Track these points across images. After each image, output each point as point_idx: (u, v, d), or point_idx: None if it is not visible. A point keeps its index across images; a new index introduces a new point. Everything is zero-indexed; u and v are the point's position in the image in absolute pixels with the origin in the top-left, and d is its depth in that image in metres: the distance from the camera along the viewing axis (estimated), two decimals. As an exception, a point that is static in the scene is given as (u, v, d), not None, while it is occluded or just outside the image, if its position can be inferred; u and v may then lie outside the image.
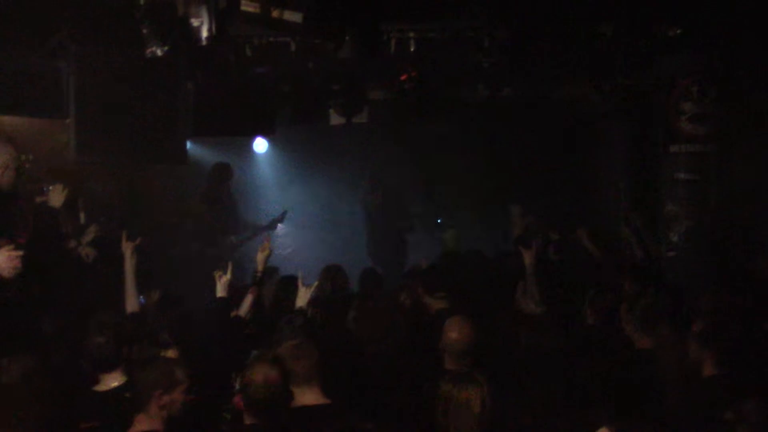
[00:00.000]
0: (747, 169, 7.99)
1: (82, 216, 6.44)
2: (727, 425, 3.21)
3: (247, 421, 3.44)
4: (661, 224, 8.62)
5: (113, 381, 3.81)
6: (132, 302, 4.91)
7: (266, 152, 9.70)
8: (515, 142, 9.57)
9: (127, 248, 5.01)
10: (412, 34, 6.59)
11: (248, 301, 4.86)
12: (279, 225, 8.78)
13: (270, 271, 5.90)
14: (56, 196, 5.43)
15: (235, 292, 5.03)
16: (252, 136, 9.23)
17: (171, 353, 4.07)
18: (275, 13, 5.37)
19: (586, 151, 9.77)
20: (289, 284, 5.63)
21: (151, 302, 5.40)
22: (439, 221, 8.67)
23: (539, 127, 9.38)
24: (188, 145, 7.85)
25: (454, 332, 4.17)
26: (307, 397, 3.65)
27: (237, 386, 3.75)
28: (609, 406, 3.31)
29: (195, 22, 5.31)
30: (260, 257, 5.10)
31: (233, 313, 4.82)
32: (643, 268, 6.03)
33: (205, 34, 5.28)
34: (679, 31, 6.51)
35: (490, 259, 6.68)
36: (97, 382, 3.85)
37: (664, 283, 5.48)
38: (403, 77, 7.25)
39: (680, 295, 4.90)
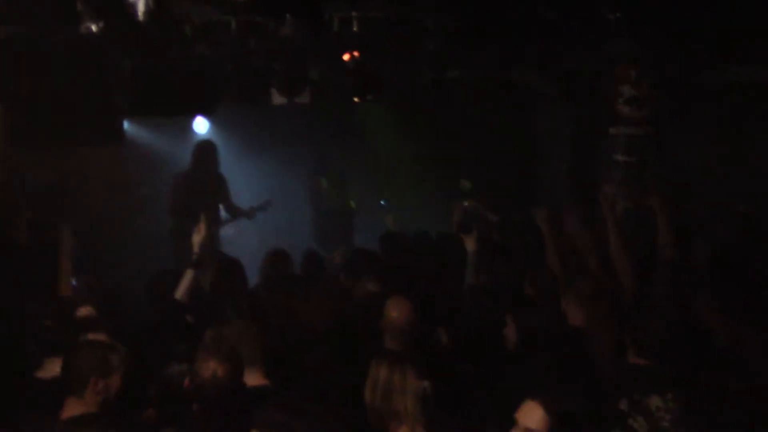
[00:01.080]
0: (683, 152, 8.19)
1: (17, 202, 6.23)
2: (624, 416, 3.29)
3: (195, 407, 3.40)
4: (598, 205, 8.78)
5: (57, 367, 3.71)
6: (65, 286, 4.79)
7: (207, 132, 9.53)
8: (460, 125, 9.60)
9: (64, 230, 4.88)
10: (355, 14, 6.52)
11: (185, 283, 4.76)
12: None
13: (210, 253, 5.82)
14: None
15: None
16: (192, 115, 9.04)
17: (100, 337, 3.98)
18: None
19: (531, 134, 9.88)
20: (230, 268, 5.57)
21: (85, 286, 5.26)
22: (382, 203, 8.65)
23: (484, 110, 9.44)
24: (125, 125, 7.67)
25: (395, 312, 4.18)
26: (249, 378, 3.64)
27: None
28: (539, 380, 3.36)
29: (133, -1, 5.16)
30: (196, 239, 4.98)
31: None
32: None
33: (142, 10, 5.14)
34: (618, 15, 6.59)
35: (435, 240, 6.68)
36: (40, 367, 3.76)
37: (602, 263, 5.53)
38: (346, 57, 7.18)
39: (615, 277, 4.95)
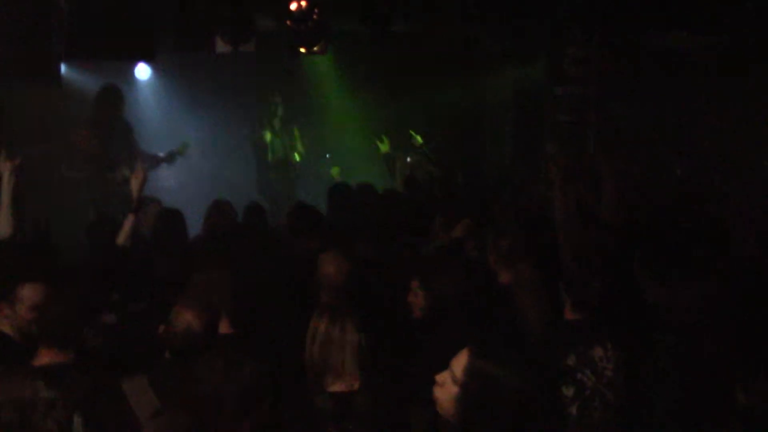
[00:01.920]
0: (624, 112, 8.34)
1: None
2: (572, 370, 3.37)
3: (166, 354, 3.42)
4: (541, 165, 8.93)
5: None
6: (4, 228, 4.65)
7: (149, 79, 9.28)
8: (406, 79, 9.57)
9: (6, 167, 4.70)
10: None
11: (126, 228, 4.71)
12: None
13: (148, 201, 5.73)
14: None
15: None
16: (131, 61, 8.79)
17: (38, 285, 3.91)
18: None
19: (477, 91, 9.90)
20: (171, 216, 5.49)
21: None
22: (327, 156, 8.62)
23: (430, 65, 9.42)
24: (63, 69, 7.41)
25: (329, 267, 4.17)
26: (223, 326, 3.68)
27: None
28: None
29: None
30: (134, 183, 4.95)
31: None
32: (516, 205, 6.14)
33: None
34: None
35: (380, 194, 6.67)
36: None
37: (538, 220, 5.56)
38: (293, 6, 7.06)
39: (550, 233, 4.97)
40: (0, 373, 2.59)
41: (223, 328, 3.73)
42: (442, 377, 2.50)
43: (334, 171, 7.35)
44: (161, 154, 8.16)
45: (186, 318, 3.31)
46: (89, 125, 7.83)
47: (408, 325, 4.00)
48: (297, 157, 9.31)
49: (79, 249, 5.35)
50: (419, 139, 7.36)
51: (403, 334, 3.95)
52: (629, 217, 5.13)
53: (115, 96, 8.01)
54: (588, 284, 3.59)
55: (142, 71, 9.13)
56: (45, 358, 3.32)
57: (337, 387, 3.25)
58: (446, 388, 2.48)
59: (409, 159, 7.05)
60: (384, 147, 7.86)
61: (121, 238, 4.70)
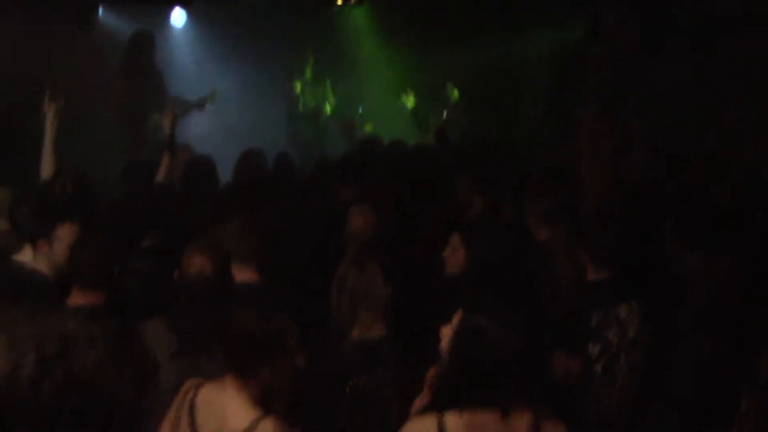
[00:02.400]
0: (662, 75, 8.17)
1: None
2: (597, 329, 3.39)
3: (182, 299, 3.42)
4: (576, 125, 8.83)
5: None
6: (47, 168, 4.75)
7: (185, 26, 9.28)
8: (443, 31, 9.45)
9: (50, 110, 4.80)
10: None
11: (164, 165, 4.80)
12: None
13: (180, 147, 5.79)
14: None
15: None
16: (168, 4, 8.78)
17: (75, 226, 3.99)
18: None
19: (515, 49, 9.73)
20: (202, 163, 5.54)
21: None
22: (360, 109, 8.59)
23: (469, 23, 9.30)
24: (100, 12, 7.44)
25: (360, 219, 4.19)
26: (242, 274, 3.70)
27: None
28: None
29: None
30: (167, 123, 5.04)
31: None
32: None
33: None
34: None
35: (411, 149, 6.64)
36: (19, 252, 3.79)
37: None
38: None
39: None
40: (40, 309, 2.67)
41: (250, 276, 3.78)
42: (446, 329, 2.60)
43: (368, 126, 7.29)
44: (192, 101, 8.20)
45: (197, 261, 3.31)
46: (121, 71, 7.89)
47: (438, 282, 4.03)
48: (328, 109, 9.29)
49: (113, 193, 5.42)
50: (456, 93, 7.26)
51: (432, 290, 3.98)
52: (659, 181, 5.08)
53: (148, 42, 8.03)
54: (607, 241, 3.59)
55: (178, 18, 9.12)
56: (78, 298, 3.38)
57: (358, 334, 3.30)
58: (445, 340, 2.59)
59: (444, 114, 7.00)
60: (410, 102, 7.77)
61: (160, 176, 4.78)
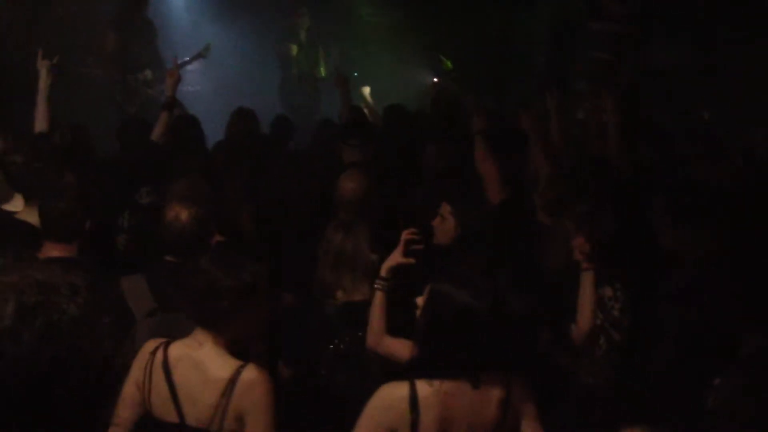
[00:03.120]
0: (661, 54, 8.14)
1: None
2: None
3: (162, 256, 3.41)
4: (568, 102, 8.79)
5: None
6: (41, 122, 4.74)
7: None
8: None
9: (43, 66, 4.83)
10: None
11: (161, 125, 4.78)
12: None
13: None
14: None
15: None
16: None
17: (69, 177, 3.98)
18: None
19: (512, 20, 9.66)
20: (188, 123, 5.51)
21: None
22: (355, 74, 8.50)
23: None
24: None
25: (349, 183, 4.15)
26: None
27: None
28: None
29: None
30: (170, 82, 5.04)
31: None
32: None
33: None
34: None
35: (411, 114, 6.56)
36: (8, 202, 3.77)
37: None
38: None
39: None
40: (22, 259, 2.66)
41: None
42: (420, 298, 2.64)
43: (365, 90, 7.20)
44: (186, 59, 8.13)
45: (174, 211, 3.30)
46: (112, 25, 7.81)
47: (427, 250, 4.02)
48: (322, 72, 9.22)
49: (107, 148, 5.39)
50: (449, 63, 7.21)
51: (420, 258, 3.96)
52: (641, 161, 5.05)
53: None
54: (590, 223, 3.58)
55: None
56: (50, 251, 3.34)
57: (342, 296, 3.34)
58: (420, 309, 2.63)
59: (440, 82, 6.93)
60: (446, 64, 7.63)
61: (156, 134, 4.76)
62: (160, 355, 2.66)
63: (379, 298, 3.17)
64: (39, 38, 6.55)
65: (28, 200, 3.77)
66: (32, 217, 3.71)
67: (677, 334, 3.37)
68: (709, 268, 3.44)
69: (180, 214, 3.28)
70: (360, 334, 3.22)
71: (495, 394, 2.50)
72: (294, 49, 9.31)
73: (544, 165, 4.48)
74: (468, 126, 4.77)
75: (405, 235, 3.22)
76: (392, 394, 2.50)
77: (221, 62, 9.14)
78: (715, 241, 3.52)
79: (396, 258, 3.20)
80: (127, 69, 7.82)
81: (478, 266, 2.86)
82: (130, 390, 2.67)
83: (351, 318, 3.29)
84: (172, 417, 2.62)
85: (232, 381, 2.55)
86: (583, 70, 9.00)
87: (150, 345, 2.72)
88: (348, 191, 4.14)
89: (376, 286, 3.18)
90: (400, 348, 2.97)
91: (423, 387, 2.47)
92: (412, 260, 3.20)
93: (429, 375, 2.49)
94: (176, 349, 2.67)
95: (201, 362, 2.62)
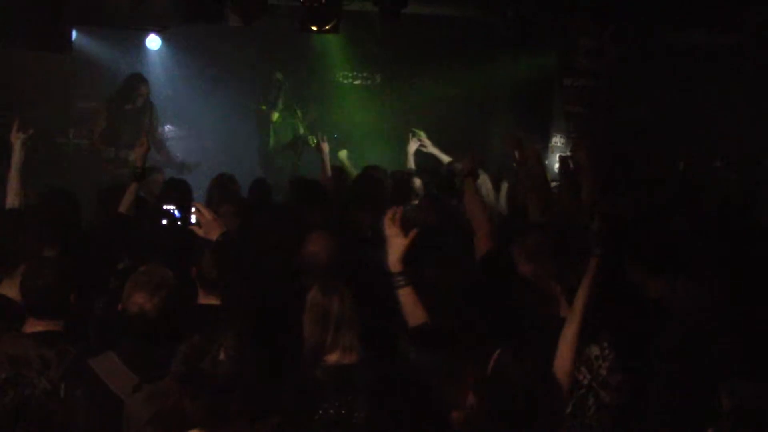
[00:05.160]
0: (632, 107, 8.32)
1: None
2: None
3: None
4: (548, 156, 8.93)
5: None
6: (13, 197, 4.68)
7: (160, 49, 9.28)
8: (416, 60, 9.56)
9: (17, 138, 4.74)
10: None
11: (129, 196, 4.73)
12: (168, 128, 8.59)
13: (151, 170, 5.80)
14: None
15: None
16: (144, 31, 8.79)
17: (53, 250, 3.95)
18: None
19: (487, 78, 9.85)
20: (177, 185, 5.51)
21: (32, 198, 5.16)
22: (335, 135, 8.60)
23: (441, 47, 9.41)
24: (74, 35, 7.42)
25: (314, 246, 4.10)
26: (202, 297, 3.78)
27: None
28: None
29: None
30: (138, 152, 4.98)
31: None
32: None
33: None
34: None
35: (389, 174, 6.61)
36: None
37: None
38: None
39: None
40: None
41: (208, 299, 3.76)
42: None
43: (342, 154, 7.30)
44: (178, 157, 8.22)
45: (137, 298, 3.23)
46: (104, 105, 7.86)
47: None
48: (311, 141, 9.24)
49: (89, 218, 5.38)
50: (422, 134, 7.34)
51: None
52: (614, 211, 5.07)
53: (139, 82, 8.06)
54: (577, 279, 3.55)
55: (153, 41, 9.12)
56: (34, 326, 3.28)
57: (335, 358, 3.27)
58: None
59: (420, 142, 7.05)
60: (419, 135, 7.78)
61: (123, 206, 4.71)
62: None
63: (406, 293, 3.21)
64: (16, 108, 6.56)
65: (7, 274, 3.72)
66: (12, 291, 3.67)
67: (669, 392, 3.33)
68: (697, 321, 3.42)
69: (145, 302, 3.22)
70: (350, 398, 3.17)
71: None
72: (275, 116, 9.40)
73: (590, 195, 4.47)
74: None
75: (387, 223, 3.24)
76: None
77: (201, 125, 9.22)
78: (700, 292, 3.52)
79: (397, 246, 3.22)
80: (119, 145, 7.91)
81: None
82: None
83: (341, 381, 3.23)
84: None
85: None
86: (558, 124, 9.17)
87: None
88: (314, 253, 4.08)
89: (397, 284, 3.22)
90: None
91: None
92: (411, 239, 3.23)
93: None
94: None
95: None
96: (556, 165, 8.30)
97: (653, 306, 3.71)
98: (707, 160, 7.55)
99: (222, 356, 2.50)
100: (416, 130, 7.26)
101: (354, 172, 6.95)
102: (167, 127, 8.60)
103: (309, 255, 4.11)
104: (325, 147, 6.78)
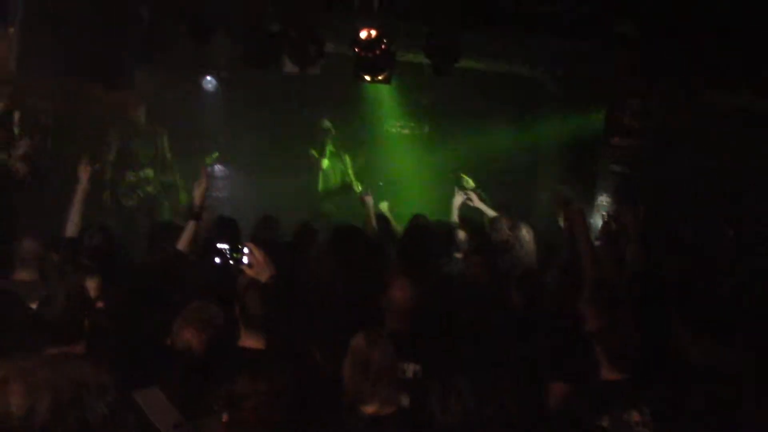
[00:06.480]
0: (678, 166, 8.25)
1: (16, 129, 6.25)
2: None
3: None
4: (592, 215, 8.88)
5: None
6: (72, 228, 4.81)
7: (215, 90, 9.54)
8: (466, 113, 9.66)
9: (84, 172, 4.91)
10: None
11: (188, 234, 4.78)
12: (217, 167, 8.81)
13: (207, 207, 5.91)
14: None
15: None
16: (203, 73, 9.08)
17: (91, 282, 4.04)
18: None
19: (535, 135, 9.89)
20: (228, 224, 5.61)
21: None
22: (380, 184, 8.71)
23: (490, 102, 9.50)
24: (137, 72, 7.67)
25: (398, 292, 4.12)
26: (246, 340, 3.74)
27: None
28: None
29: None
30: (198, 191, 5.01)
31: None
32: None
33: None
34: (630, 27, 6.63)
35: (434, 225, 6.66)
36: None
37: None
38: (362, 34, 7.19)
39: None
40: (56, 357, 2.66)
41: (256, 343, 3.76)
42: None
43: (383, 205, 7.36)
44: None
45: (185, 335, 3.29)
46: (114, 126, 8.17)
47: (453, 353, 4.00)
48: (358, 188, 9.35)
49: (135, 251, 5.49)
50: (470, 181, 7.38)
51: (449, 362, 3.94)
52: (661, 273, 5.03)
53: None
54: (621, 339, 3.51)
55: (209, 82, 9.39)
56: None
57: (372, 409, 3.25)
58: None
59: (466, 196, 7.08)
60: (468, 182, 7.84)
61: (182, 244, 4.76)
62: None
63: None
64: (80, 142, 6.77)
65: None
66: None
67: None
68: (737, 384, 3.37)
69: (192, 338, 3.29)
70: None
71: None
72: (324, 163, 9.55)
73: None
74: None
75: None
76: None
77: (251, 167, 9.40)
78: (743, 356, 3.46)
79: None
80: (128, 166, 8.15)
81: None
82: None
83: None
84: None
85: None
86: (603, 183, 9.13)
87: None
88: (395, 299, 4.10)
89: None
90: None
91: None
92: None
93: None
94: None
95: None
96: (600, 223, 8.27)
97: (696, 371, 3.66)
98: (756, 224, 7.45)
99: (264, 401, 2.56)
100: (464, 176, 7.28)
101: (395, 222, 7.03)
102: (216, 167, 8.78)
103: (391, 300, 4.13)
104: (369, 200, 6.84)
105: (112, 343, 3.66)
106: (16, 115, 6.27)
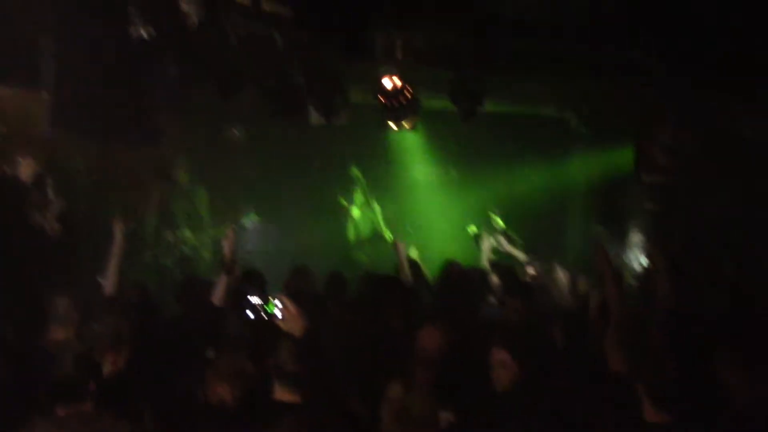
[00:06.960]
0: (711, 204, 8.12)
1: (50, 191, 6.34)
2: None
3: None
4: (627, 253, 8.76)
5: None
6: (110, 285, 4.82)
7: (245, 144, 9.65)
8: (494, 156, 9.65)
9: (119, 229, 4.92)
10: (399, 42, 6.60)
11: (221, 288, 4.79)
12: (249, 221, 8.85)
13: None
14: (26, 169, 5.35)
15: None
16: (230, 128, 9.20)
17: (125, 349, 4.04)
18: (266, 6, 5.34)
19: (565, 175, 9.84)
20: (258, 278, 5.61)
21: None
22: (409, 230, 8.69)
23: (518, 142, 9.48)
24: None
25: (428, 341, 4.11)
26: (278, 392, 3.67)
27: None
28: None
29: (185, 7, 5.26)
30: (228, 246, 5.04)
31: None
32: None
33: (194, 19, 5.24)
34: (661, 63, 6.61)
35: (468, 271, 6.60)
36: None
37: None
38: (386, 83, 7.24)
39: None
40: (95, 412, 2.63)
41: (291, 397, 3.70)
42: None
43: (413, 252, 7.33)
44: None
45: (218, 390, 3.31)
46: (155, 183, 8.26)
47: (489, 400, 3.93)
48: (389, 237, 9.34)
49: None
50: (500, 221, 7.33)
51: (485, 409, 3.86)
52: (700, 310, 4.92)
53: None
54: (664, 379, 3.42)
55: (239, 136, 9.50)
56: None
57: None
58: None
59: (494, 240, 7.02)
60: (471, 229, 7.84)
61: (217, 297, 4.77)
62: None
63: None
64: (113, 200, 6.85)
65: None
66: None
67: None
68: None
69: (224, 395, 3.30)
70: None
71: None
72: (355, 212, 9.57)
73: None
74: None
75: None
76: None
77: (280, 219, 9.43)
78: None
79: None
80: (167, 225, 8.21)
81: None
82: None
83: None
84: None
85: None
86: (637, 221, 9.02)
87: None
88: (429, 347, 4.07)
89: None
90: None
91: None
92: None
93: None
94: None
95: None
96: (635, 263, 8.15)
97: (745, 412, 3.53)
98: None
99: None
100: (494, 216, 7.23)
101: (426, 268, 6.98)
102: (247, 220, 8.85)
103: (423, 348, 4.09)
104: (402, 247, 6.81)
105: (146, 399, 3.64)
106: (50, 176, 6.36)
